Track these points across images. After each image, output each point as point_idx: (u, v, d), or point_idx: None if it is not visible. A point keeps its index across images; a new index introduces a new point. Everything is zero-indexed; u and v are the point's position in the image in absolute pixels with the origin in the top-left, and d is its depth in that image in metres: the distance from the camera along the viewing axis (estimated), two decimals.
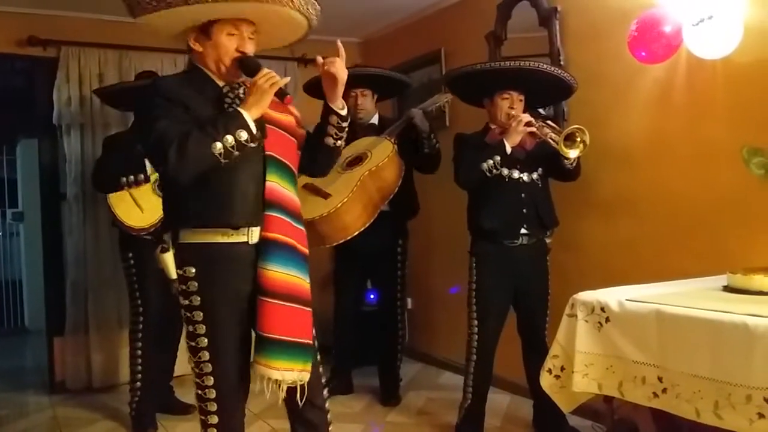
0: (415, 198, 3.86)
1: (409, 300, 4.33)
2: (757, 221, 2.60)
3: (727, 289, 2.11)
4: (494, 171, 2.93)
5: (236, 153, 1.97)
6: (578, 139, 2.75)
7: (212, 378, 2.09)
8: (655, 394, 1.89)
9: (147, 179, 3.42)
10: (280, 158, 2.14)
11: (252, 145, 2.00)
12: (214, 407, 2.11)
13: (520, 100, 3.03)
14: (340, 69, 2.09)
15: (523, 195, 2.99)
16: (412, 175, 3.75)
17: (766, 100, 2.56)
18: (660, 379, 1.89)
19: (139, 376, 3.46)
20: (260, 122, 2.05)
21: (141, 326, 3.47)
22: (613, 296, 2.07)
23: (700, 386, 1.77)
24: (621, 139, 3.17)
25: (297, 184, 2.22)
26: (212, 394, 2.10)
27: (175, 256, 2.09)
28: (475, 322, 3.07)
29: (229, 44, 2.08)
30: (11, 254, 7.45)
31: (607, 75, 3.21)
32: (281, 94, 2.04)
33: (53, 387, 4.29)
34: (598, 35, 3.26)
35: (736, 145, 2.36)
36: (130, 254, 3.51)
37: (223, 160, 1.96)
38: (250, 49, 2.11)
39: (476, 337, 3.07)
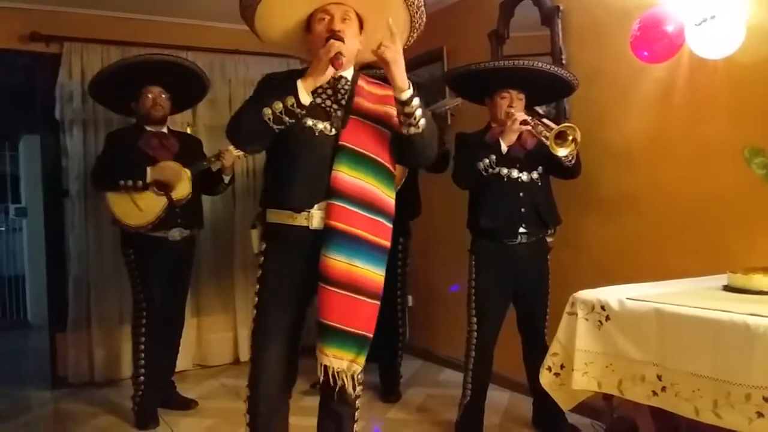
0: (418, 199, 3.86)
1: (409, 297, 4.34)
2: (757, 221, 2.61)
3: (727, 288, 2.11)
4: (490, 170, 2.93)
5: (286, 118, 2.05)
6: (569, 138, 2.75)
7: (251, 352, 2.20)
8: (655, 393, 1.90)
9: (146, 186, 3.42)
10: (358, 149, 2.14)
11: (299, 110, 2.05)
12: (247, 393, 2.19)
13: (520, 99, 3.03)
14: (386, 51, 2.01)
15: (521, 194, 2.99)
16: (416, 176, 3.75)
17: (767, 100, 2.56)
18: (659, 378, 1.89)
19: (142, 371, 3.47)
20: (346, 112, 2.14)
21: (143, 321, 3.48)
22: (613, 295, 2.08)
23: (699, 385, 1.78)
24: (622, 138, 3.17)
25: (388, 177, 2.19)
26: (250, 368, 2.20)
27: (262, 232, 2.23)
28: (474, 320, 3.07)
29: (321, 28, 2.12)
30: (14, 249, 7.46)
31: (609, 74, 3.21)
32: (334, 58, 2.02)
33: (55, 382, 4.30)
34: (600, 34, 3.26)
35: (737, 145, 2.36)
36: (131, 250, 3.52)
37: (274, 126, 2.06)
38: (342, 27, 2.10)
39: (475, 334, 3.07)
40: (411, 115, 2.07)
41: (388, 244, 2.16)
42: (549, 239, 3.12)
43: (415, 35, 2.29)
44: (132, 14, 4.39)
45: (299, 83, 2.04)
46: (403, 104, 2.06)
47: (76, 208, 4.26)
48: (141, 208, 3.44)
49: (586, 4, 3.35)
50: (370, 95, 2.22)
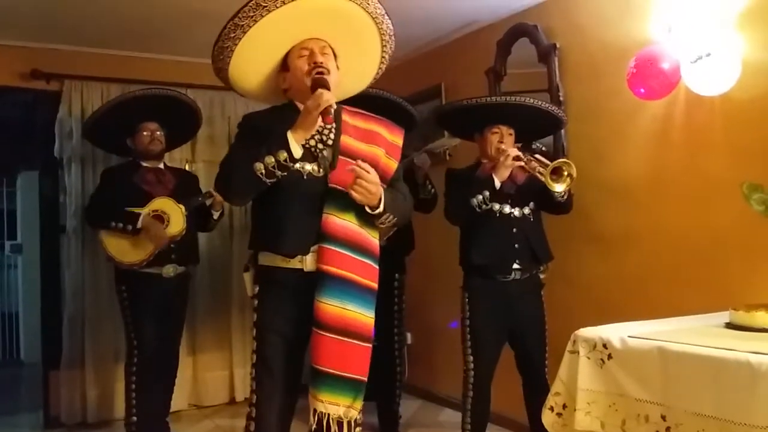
0: (411, 234, 3.85)
1: (408, 335, 4.29)
2: (757, 257, 2.59)
3: (730, 326, 2.09)
4: (483, 206, 2.92)
5: (278, 172, 2.02)
6: (565, 173, 2.75)
7: (254, 399, 2.14)
8: None
9: (136, 231, 3.41)
10: (347, 190, 2.11)
11: (292, 165, 2.03)
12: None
13: (510, 134, 3.04)
14: (356, 196, 2.05)
15: (514, 230, 2.96)
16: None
17: (764, 136, 2.57)
18: (663, 418, 1.86)
19: (134, 411, 3.41)
20: (333, 152, 2.11)
21: (135, 360, 3.44)
22: (615, 333, 2.05)
23: (703, 424, 1.75)
24: (620, 174, 3.17)
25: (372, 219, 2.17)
26: (253, 412, 2.15)
27: (254, 276, 2.20)
28: (471, 358, 3.02)
29: (302, 64, 2.12)
30: (9, 286, 7.41)
31: (606, 111, 3.23)
32: (324, 113, 2.01)
33: (48, 421, 4.23)
34: (597, 72, 3.30)
35: (735, 181, 2.36)
36: (124, 287, 3.50)
37: (266, 180, 2.02)
38: (322, 60, 2.11)
39: (472, 373, 3.01)
40: (383, 223, 2.17)
41: (376, 286, 2.15)
42: (542, 276, 3.08)
43: (385, 62, 2.30)
44: (132, 52, 4.43)
45: (290, 136, 2.01)
46: (374, 218, 2.13)
47: (72, 245, 4.23)
48: (134, 245, 3.42)
49: (582, 42, 3.39)
50: (355, 130, 2.20)
